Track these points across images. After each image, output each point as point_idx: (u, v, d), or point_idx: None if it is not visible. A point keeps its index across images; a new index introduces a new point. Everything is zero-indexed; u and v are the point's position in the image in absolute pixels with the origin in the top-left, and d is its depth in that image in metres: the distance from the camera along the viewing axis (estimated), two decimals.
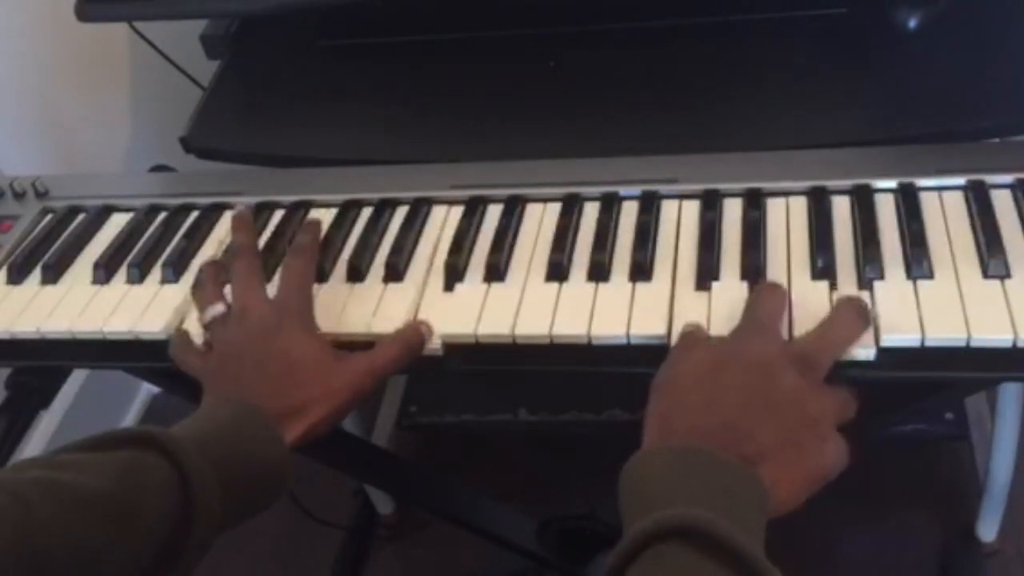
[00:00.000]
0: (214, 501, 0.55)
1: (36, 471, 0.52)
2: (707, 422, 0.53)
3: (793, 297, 0.62)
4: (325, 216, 0.78)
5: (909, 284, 0.62)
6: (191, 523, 0.54)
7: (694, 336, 0.60)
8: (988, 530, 1.28)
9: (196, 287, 0.71)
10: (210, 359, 0.66)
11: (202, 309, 0.69)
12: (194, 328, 0.70)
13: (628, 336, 0.62)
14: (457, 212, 0.75)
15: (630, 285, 0.66)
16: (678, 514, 0.46)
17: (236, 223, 0.75)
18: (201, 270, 0.72)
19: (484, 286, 0.68)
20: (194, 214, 0.81)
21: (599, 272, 0.67)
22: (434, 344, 0.66)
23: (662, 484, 0.50)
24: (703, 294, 0.64)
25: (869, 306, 0.60)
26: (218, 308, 0.68)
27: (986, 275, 0.61)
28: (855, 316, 0.59)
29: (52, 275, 0.77)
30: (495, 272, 0.69)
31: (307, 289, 0.68)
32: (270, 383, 0.63)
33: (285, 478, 0.61)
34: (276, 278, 0.72)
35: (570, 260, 0.69)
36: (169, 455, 0.55)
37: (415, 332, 0.66)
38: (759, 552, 0.44)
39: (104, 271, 0.76)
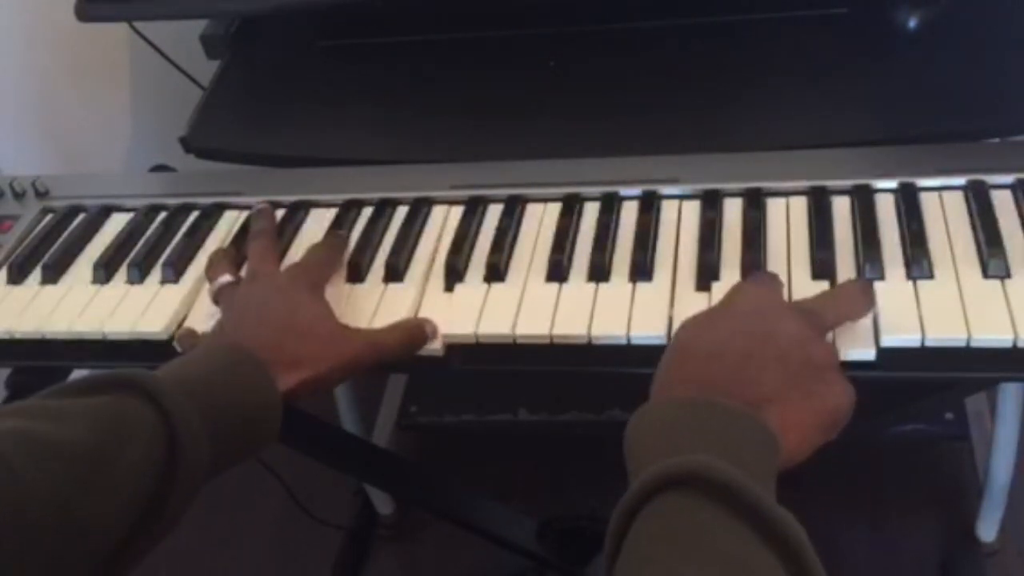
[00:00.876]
0: (201, 447, 0.53)
1: (15, 421, 0.50)
2: (709, 372, 0.52)
3: (793, 297, 0.62)
4: (325, 216, 0.78)
5: (909, 284, 0.62)
6: (177, 470, 0.52)
7: None
8: (988, 530, 1.28)
9: (210, 260, 0.72)
10: (217, 328, 0.66)
11: (212, 279, 0.70)
12: (197, 327, 0.70)
13: (628, 336, 0.62)
14: (457, 212, 0.75)
15: (630, 285, 0.66)
16: (676, 462, 0.45)
17: (257, 214, 0.76)
18: (214, 252, 0.73)
19: (484, 286, 0.68)
20: (194, 214, 0.81)
21: (599, 272, 0.67)
22: (434, 344, 0.66)
23: (664, 436, 0.49)
24: (703, 294, 0.64)
25: (874, 290, 0.59)
26: (227, 278, 0.69)
27: (986, 275, 0.61)
28: (860, 292, 0.59)
29: (52, 275, 0.77)
30: (495, 272, 0.69)
31: (324, 271, 0.69)
32: (271, 333, 0.62)
33: (276, 424, 0.59)
34: None
35: (570, 260, 0.69)
36: (154, 400, 0.53)
37: (418, 325, 0.66)
38: (763, 493, 0.43)
39: (104, 271, 0.76)
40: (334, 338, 0.64)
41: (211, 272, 0.71)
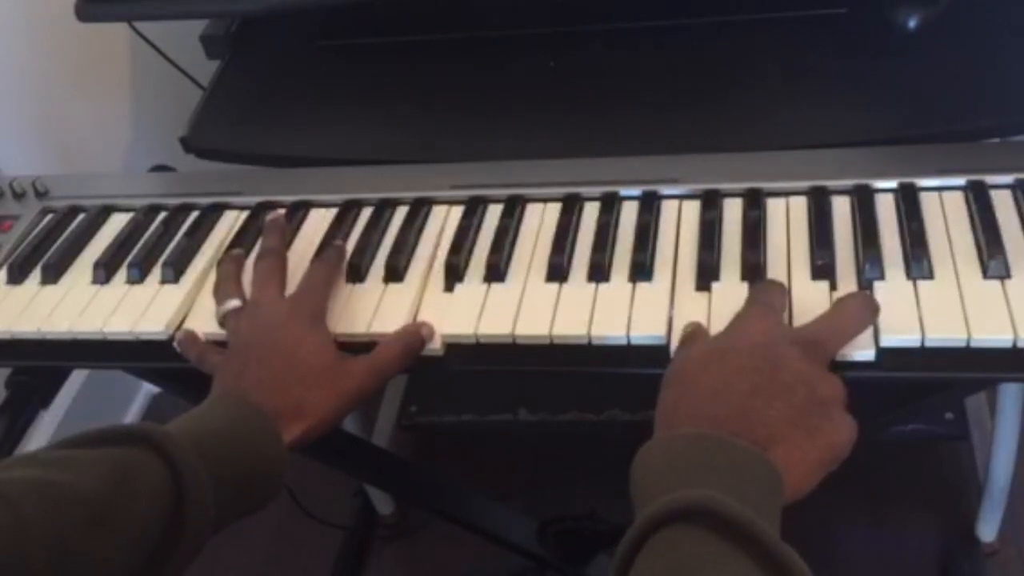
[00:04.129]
0: (207, 501, 0.54)
1: (25, 470, 0.51)
2: (715, 409, 0.52)
3: (793, 297, 0.62)
4: (325, 216, 0.78)
5: (909, 284, 0.62)
6: (183, 523, 0.53)
7: (695, 332, 0.61)
8: (988, 530, 1.28)
9: (217, 280, 0.72)
10: (224, 353, 0.67)
11: (220, 303, 0.69)
12: (197, 327, 0.70)
13: (628, 336, 0.62)
14: (457, 212, 0.75)
15: (630, 285, 0.66)
16: (682, 496, 0.45)
17: (269, 226, 0.76)
18: (222, 265, 0.73)
19: (484, 286, 0.68)
20: (194, 214, 0.81)
21: (599, 272, 0.67)
22: (434, 344, 0.66)
23: (670, 470, 0.49)
24: (703, 294, 0.64)
25: (877, 301, 0.59)
26: (233, 303, 0.69)
27: (986, 275, 0.61)
28: (862, 307, 0.59)
29: (52, 275, 0.77)
30: (495, 272, 0.69)
31: (325, 294, 0.68)
32: (273, 379, 0.63)
33: (281, 478, 0.60)
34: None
35: (570, 260, 0.69)
36: (163, 454, 0.54)
37: (415, 333, 0.66)
38: (769, 529, 0.44)
39: (104, 271, 0.76)
40: (335, 376, 0.64)
41: (218, 295, 0.70)
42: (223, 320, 0.69)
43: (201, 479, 0.54)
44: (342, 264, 0.72)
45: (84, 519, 0.49)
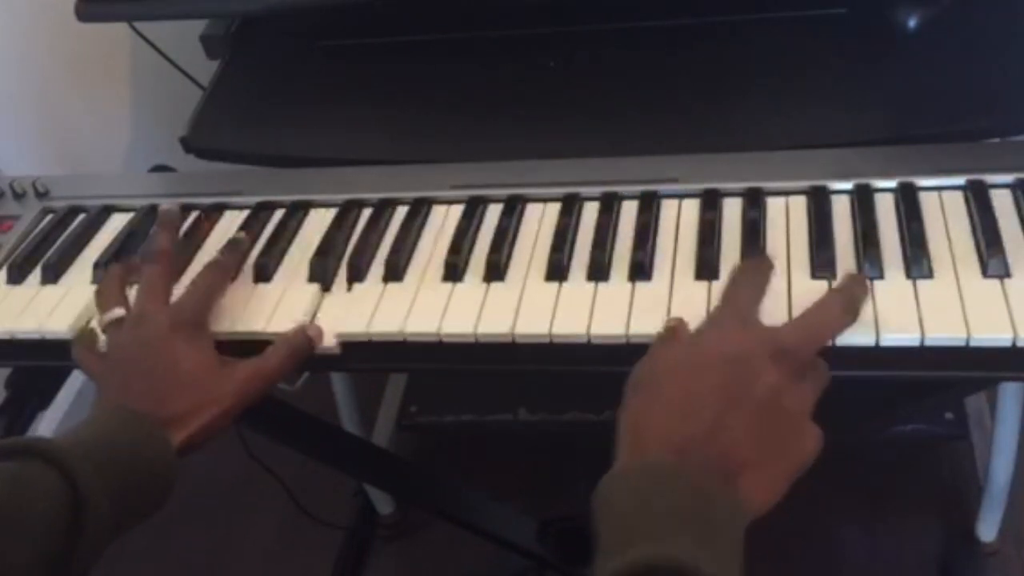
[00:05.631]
0: (103, 508, 0.55)
1: None
2: (683, 432, 0.51)
3: (793, 297, 0.62)
4: (325, 216, 0.78)
5: (909, 284, 0.62)
6: (81, 532, 0.54)
7: (673, 330, 0.59)
8: (988, 530, 1.28)
9: (100, 288, 0.71)
10: (105, 362, 0.67)
11: (103, 311, 0.69)
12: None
13: (628, 336, 0.62)
14: (457, 212, 0.75)
15: (630, 285, 0.66)
16: (650, 554, 0.45)
17: (162, 221, 0.76)
18: (108, 270, 0.73)
19: (484, 286, 0.68)
20: (194, 214, 0.81)
21: (599, 272, 0.67)
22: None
23: (637, 515, 0.49)
24: (703, 293, 0.64)
25: (858, 299, 0.58)
26: (117, 312, 0.69)
27: (986, 275, 0.61)
28: (840, 309, 0.57)
29: (52, 275, 0.77)
30: (495, 272, 0.69)
31: (207, 302, 0.69)
32: (155, 390, 0.63)
33: (172, 483, 0.61)
34: (274, 278, 0.73)
35: (570, 260, 0.69)
36: (56, 465, 0.55)
37: (302, 335, 0.66)
38: None
39: (104, 271, 0.76)
40: (216, 382, 0.65)
41: (101, 302, 0.70)
42: (105, 328, 0.69)
43: (95, 488, 0.55)
44: (232, 269, 0.72)
45: None
